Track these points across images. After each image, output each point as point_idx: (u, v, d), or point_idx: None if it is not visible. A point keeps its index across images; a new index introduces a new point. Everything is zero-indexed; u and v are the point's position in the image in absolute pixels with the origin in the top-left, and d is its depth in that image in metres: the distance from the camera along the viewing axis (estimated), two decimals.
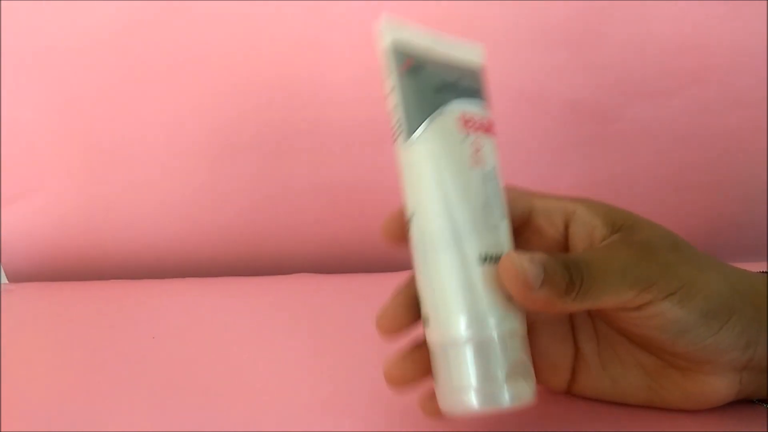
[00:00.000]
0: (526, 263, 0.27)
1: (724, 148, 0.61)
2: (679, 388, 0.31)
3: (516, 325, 0.28)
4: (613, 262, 0.28)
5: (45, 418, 0.34)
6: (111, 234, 0.62)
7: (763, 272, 0.33)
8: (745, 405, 0.32)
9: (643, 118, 0.60)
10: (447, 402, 0.28)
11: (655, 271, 0.28)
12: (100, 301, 0.54)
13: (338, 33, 0.56)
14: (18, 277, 0.63)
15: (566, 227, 0.32)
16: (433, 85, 0.30)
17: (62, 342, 0.45)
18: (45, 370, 0.40)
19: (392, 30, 0.30)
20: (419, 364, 0.29)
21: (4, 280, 0.63)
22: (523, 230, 0.32)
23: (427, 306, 0.29)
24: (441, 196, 0.28)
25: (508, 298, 0.28)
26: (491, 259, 0.28)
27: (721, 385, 0.30)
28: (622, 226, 0.30)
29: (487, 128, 0.30)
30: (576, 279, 0.27)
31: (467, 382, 0.27)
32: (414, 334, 0.30)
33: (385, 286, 0.32)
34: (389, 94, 0.30)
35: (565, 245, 0.32)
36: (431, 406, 0.29)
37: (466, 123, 0.30)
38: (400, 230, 0.30)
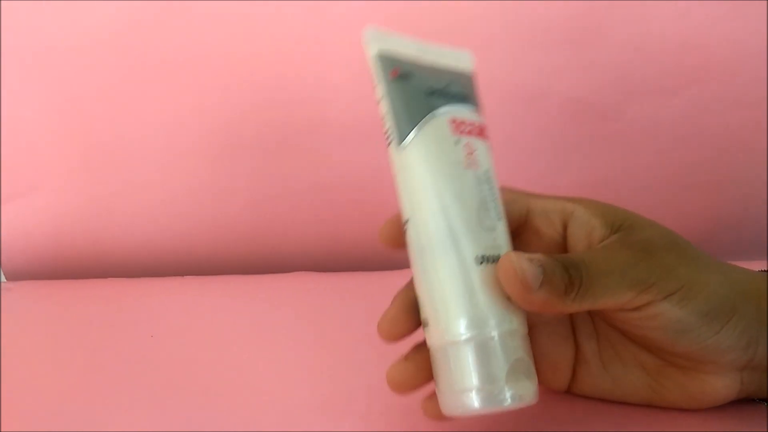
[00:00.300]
0: (525, 264, 0.27)
1: (724, 147, 0.61)
2: (679, 387, 0.31)
3: (516, 325, 0.28)
4: (612, 263, 0.28)
5: (44, 418, 0.34)
6: (110, 232, 0.62)
7: (763, 271, 0.33)
8: (746, 404, 0.32)
9: (644, 117, 0.60)
10: (448, 404, 0.28)
11: (654, 272, 0.28)
12: (99, 300, 0.54)
13: (337, 32, 0.56)
14: (17, 275, 0.63)
15: (565, 228, 0.32)
16: (422, 92, 0.30)
17: (61, 340, 0.45)
18: (44, 368, 0.40)
19: (377, 39, 0.31)
20: (421, 367, 0.29)
21: (3, 278, 0.63)
22: (521, 232, 0.32)
23: (427, 309, 0.29)
24: (435, 199, 0.28)
25: (507, 298, 0.28)
26: (489, 260, 0.28)
27: (721, 385, 0.30)
28: (621, 226, 0.30)
29: (479, 132, 0.31)
30: (575, 280, 0.27)
31: (468, 383, 0.27)
32: (416, 337, 0.30)
33: (385, 285, 0.32)
34: (380, 102, 0.30)
35: (563, 246, 0.32)
36: (432, 408, 0.29)
37: (458, 127, 0.30)
38: (397, 235, 0.30)
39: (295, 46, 0.57)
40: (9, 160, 0.59)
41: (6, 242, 0.62)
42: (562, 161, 0.61)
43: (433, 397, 0.29)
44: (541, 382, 0.33)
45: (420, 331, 0.30)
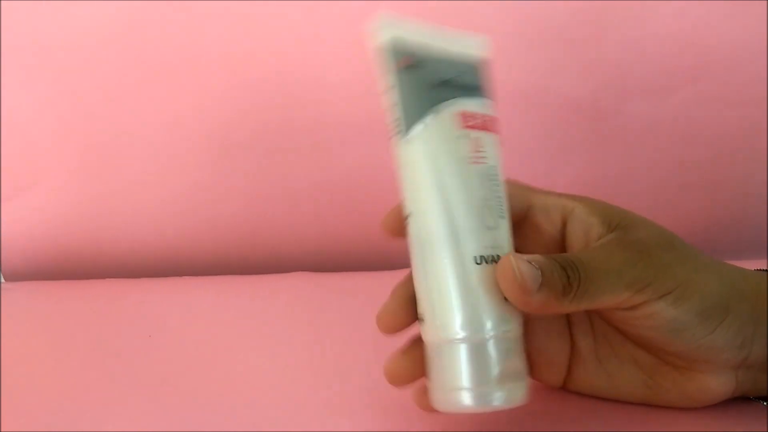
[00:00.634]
0: (524, 267, 0.27)
1: (722, 146, 0.61)
2: (675, 385, 0.31)
3: (511, 326, 0.28)
4: (609, 263, 0.28)
5: (44, 418, 0.34)
6: (108, 232, 0.62)
7: (759, 270, 0.33)
8: (742, 402, 0.32)
9: (642, 115, 0.60)
10: (440, 400, 0.28)
11: (650, 272, 0.28)
12: (97, 300, 0.54)
13: (336, 32, 0.56)
14: (15, 275, 0.63)
15: (564, 225, 0.32)
16: (432, 83, 0.29)
17: (60, 341, 0.45)
18: (43, 368, 0.40)
19: (389, 27, 0.29)
20: (418, 361, 0.29)
21: (2, 278, 0.63)
22: (520, 226, 0.32)
23: (423, 305, 0.29)
24: (438, 194, 0.28)
25: (504, 299, 0.28)
26: (489, 260, 0.28)
27: (717, 383, 0.30)
28: (618, 225, 0.30)
29: (488, 126, 0.30)
30: (573, 280, 0.27)
31: (460, 382, 0.27)
32: (413, 330, 0.30)
33: (383, 284, 0.32)
34: (386, 92, 0.29)
35: (561, 243, 0.32)
36: (424, 399, 0.29)
37: (466, 120, 0.29)
38: (400, 225, 0.30)
39: (293, 46, 0.57)
40: (8, 160, 0.59)
41: (5, 242, 0.62)
42: (560, 160, 0.61)
43: (425, 390, 0.29)
44: (537, 378, 0.33)
45: (415, 324, 0.30)
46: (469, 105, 0.30)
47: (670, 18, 0.57)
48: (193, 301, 0.53)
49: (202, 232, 0.62)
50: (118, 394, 0.36)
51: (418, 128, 0.28)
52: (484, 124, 0.30)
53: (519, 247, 0.31)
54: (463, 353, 0.27)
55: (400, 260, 0.31)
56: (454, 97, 0.29)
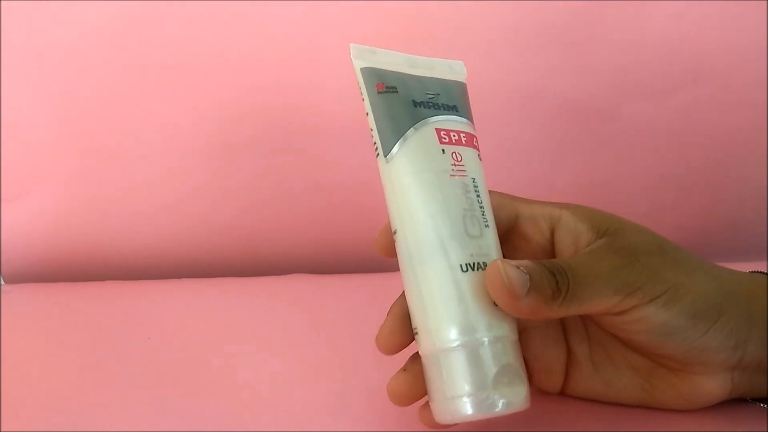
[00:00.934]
0: (512, 271, 0.27)
1: (722, 148, 0.61)
2: (671, 388, 0.31)
3: (506, 331, 0.28)
4: (598, 268, 0.28)
5: (44, 418, 0.34)
6: (108, 235, 0.62)
7: (753, 272, 0.33)
8: (738, 404, 0.32)
9: (640, 118, 0.60)
10: (441, 411, 0.28)
11: (639, 276, 0.28)
12: (97, 302, 0.54)
13: (334, 35, 0.56)
14: (15, 278, 0.63)
15: (552, 233, 0.32)
16: (408, 103, 0.30)
17: (59, 343, 0.45)
18: (42, 370, 0.40)
19: (363, 57, 0.31)
20: (420, 377, 0.29)
21: (2, 281, 0.63)
22: (509, 236, 0.32)
23: (417, 318, 0.29)
24: (421, 208, 0.29)
25: (495, 305, 0.28)
26: (477, 267, 0.28)
27: (712, 385, 0.30)
28: (607, 230, 0.31)
29: (467, 141, 0.31)
30: (562, 285, 0.27)
31: (459, 390, 0.27)
32: (414, 348, 0.30)
33: (382, 286, 0.32)
34: (367, 116, 0.31)
35: (551, 251, 0.32)
36: (428, 416, 0.29)
37: (444, 137, 0.30)
38: (391, 244, 0.30)
39: (292, 49, 0.57)
40: (7, 163, 0.59)
41: (4, 245, 0.62)
42: (558, 162, 0.61)
43: (428, 405, 0.29)
44: (535, 384, 0.33)
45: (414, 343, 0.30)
46: (447, 123, 0.31)
47: (668, 20, 0.57)
48: (192, 303, 0.53)
49: (201, 234, 0.62)
50: (118, 396, 0.36)
51: (397, 147, 0.30)
52: (463, 140, 0.31)
53: (508, 258, 0.31)
54: (459, 360, 0.27)
55: (398, 263, 0.31)
56: (430, 116, 0.30)
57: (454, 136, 0.31)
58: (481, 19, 0.57)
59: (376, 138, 0.30)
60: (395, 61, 0.31)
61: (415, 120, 0.30)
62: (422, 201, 0.29)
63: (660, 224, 0.32)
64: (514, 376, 0.28)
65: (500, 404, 0.27)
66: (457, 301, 0.28)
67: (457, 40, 0.57)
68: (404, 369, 0.30)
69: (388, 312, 0.31)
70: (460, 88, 0.33)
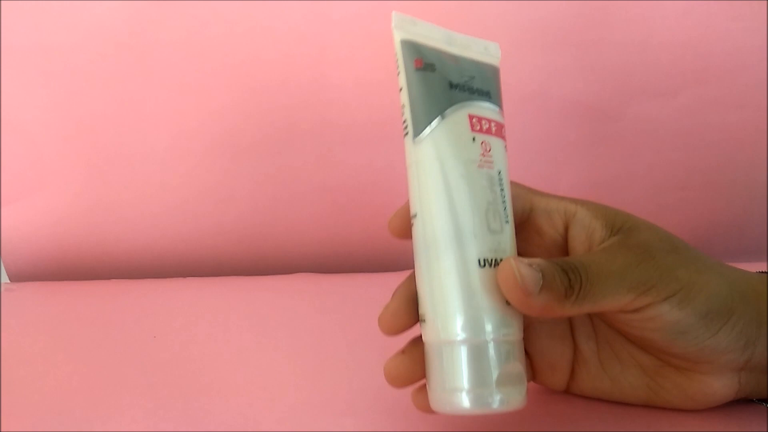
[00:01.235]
0: (525, 269, 0.27)
1: (724, 149, 0.61)
2: (678, 387, 0.31)
3: (512, 330, 0.28)
4: (612, 266, 0.28)
5: (45, 418, 0.34)
6: (112, 234, 0.62)
7: (761, 272, 0.33)
8: (744, 404, 0.32)
9: (644, 118, 0.60)
10: (438, 401, 0.28)
11: (653, 274, 0.28)
12: (101, 301, 0.54)
13: (340, 35, 0.56)
14: (19, 276, 0.63)
15: (566, 228, 0.32)
16: (444, 85, 0.29)
17: (63, 341, 0.45)
18: (45, 369, 0.40)
19: (404, 27, 0.30)
20: (417, 361, 0.29)
21: (5, 279, 0.63)
22: (522, 229, 0.32)
23: (425, 305, 0.29)
24: (445, 196, 0.28)
25: (506, 302, 0.28)
26: (492, 263, 0.28)
27: (719, 385, 0.30)
28: (621, 228, 0.30)
29: (496, 131, 0.30)
30: (575, 283, 0.27)
31: (459, 383, 0.27)
32: (413, 332, 0.30)
33: (387, 286, 0.32)
34: (400, 92, 0.30)
35: (564, 246, 0.32)
36: (422, 400, 0.29)
37: (476, 124, 0.30)
38: (406, 226, 0.30)
39: (298, 49, 0.57)
40: (12, 161, 0.59)
41: (9, 243, 0.62)
42: (562, 163, 0.61)
43: (423, 389, 0.29)
44: (540, 381, 0.33)
45: (418, 325, 0.30)
46: (480, 109, 0.30)
47: (673, 21, 0.57)
48: (197, 302, 0.54)
49: (205, 233, 0.62)
50: (121, 395, 0.36)
51: (428, 130, 0.29)
52: (493, 129, 0.30)
53: (521, 251, 0.31)
54: (462, 355, 0.27)
55: (403, 262, 0.32)
56: (465, 101, 0.30)
57: (485, 124, 0.30)
58: (486, 20, 0.57)
59: (408, 116, 0.29)
60: (435, 36, 0.30)
61: (449, 103, 0.29)
62: (447, 190, 0.28)
63: (663, 224, 0.32)
64: (515, 376, 0.28)
65: (498, 402, 0.27)
66: (468, 295, 0.28)
67: None
68: (402, 351, 0.30)
69: (394, 293, 0.30)
70: (494, 72, 0.32)
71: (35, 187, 0.60)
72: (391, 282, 0.32)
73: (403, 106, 0.29)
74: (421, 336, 0.30)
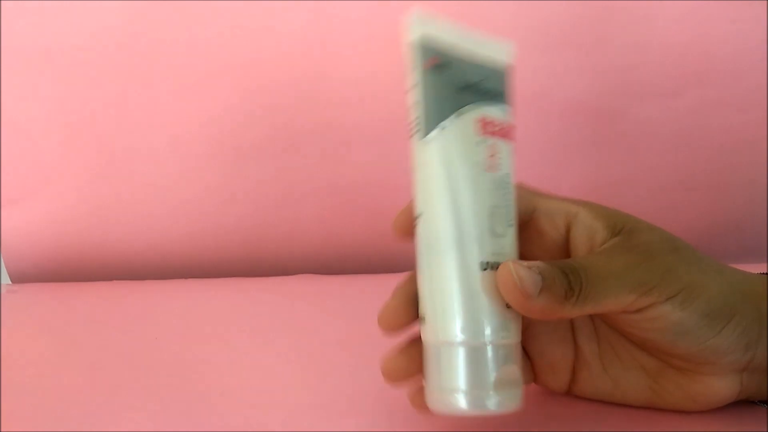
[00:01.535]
0: (524, 272, 0.27)
1: (726, 150, 0.61)
2: (679, 389, 0.31)
3: (511, 333, 0.28)
4: (613, 266, 0.28)
5: (45, 418, 0.34)
6: (114, 235, 0.62)
7: (762, 273, 0.33)
8: (746, 406, 0.32)
9: (646, 119, 0.60)
10: (435, 401, 0.28)
11: (655, 275, 0.28)
12: (102, 302, 0.54)
13: (343, 37, 0.57)
14: (21, 277, 0.63)
15: (568, 230, 0.32)
16: (456, 86, 0.29)
17: (64, 342, 0.45)
18: (47, 370, 0.40)
19: (421, 24, 0.29)
20: (414, 359, 0.29)
21: (7, 280, 0.63)
22: (524, 230, 0.32)
23: (425, 305, 0.29)
24: (450, 199, 0.28)
25: (506, 305, 0.28)
26: (494, 267, 0.28)
27: (721, 386, 0.30)
28: (622, 229, 0.30)
29: (505, 133, 0.30)
30: (575, 285, 0.27)
31: (456, 384, 0.27)
32: (413, 330, 0.30)
33: (388, 288, 0.32)
34: (411, 90, 0.29)
35: (565, 247, 0.32)
36: (419, 400, 0.29)
37: (485, 126, 0.29)
38: (410, 226, 0.30)
39: (300, 51, 0.57)
40: (14, 162, 0.59)
41: (11, 244, 0.62)
42: (564, 163, 0.61)
43: (421, 389, 0.29)
44: (541, 383, 0.33)
45: (415, 323, 0.30)
46: (491, 111, 0.30)
47: (675, 22, 0.57)
48: (199, 303, 0.54)
49: (207, 234, 0.62)
50: (122, 396, 0.36)
51: (437, 130, 0.29)
52: (502, 132, 0.30)
53: (522, 252, 0.31)
54: (460, 356, 0.27)
55: (405, 263, 0.31)
56: (476, 102, 0.29)
57: (495, 126, 0.30)
58: (488, 21, 0.57)
59: (416, 116, 0.29)
60: (450, 33, 0.30)
61: (460, 104, 0.29)
62: (452, 192, 0.28)
63: (664, 224, 0.32)
64: (512, 379, 0.28)
65: (495, 404, 0.27)
66: (468, 297, 0.28)
67: None
68: (400, 349, 0.30)
69: (394, 291, 0.30)
70: (506, 72, 0.32)
71: (37, 188, 0.60)
72: (392, 283, 0.32)
73: (412, 105, 0.29)
74: (418, 334, 0.30)
